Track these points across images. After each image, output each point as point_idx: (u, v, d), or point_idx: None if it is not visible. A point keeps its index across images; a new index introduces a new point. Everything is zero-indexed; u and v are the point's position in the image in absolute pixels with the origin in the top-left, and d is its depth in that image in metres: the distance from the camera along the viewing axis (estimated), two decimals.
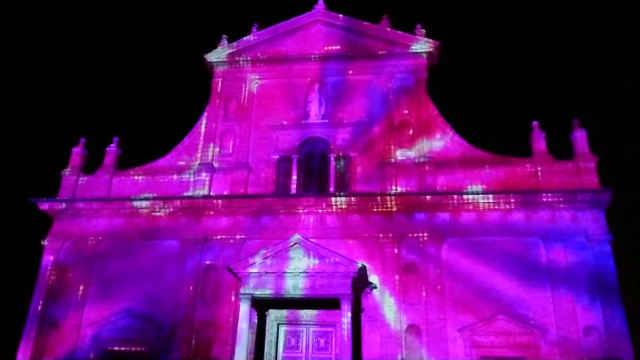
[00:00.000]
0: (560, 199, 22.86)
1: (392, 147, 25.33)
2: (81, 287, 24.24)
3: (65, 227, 25.44)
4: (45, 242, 25.24)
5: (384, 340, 21.78)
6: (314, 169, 26.13)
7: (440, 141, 25.28)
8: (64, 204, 25.52)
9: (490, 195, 23.20)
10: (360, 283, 21.80)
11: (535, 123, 25.07)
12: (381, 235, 23.43)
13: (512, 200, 23.06)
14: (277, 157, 26.22)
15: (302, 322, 22.72)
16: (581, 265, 22.08)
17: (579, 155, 23.88)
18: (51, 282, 24.53)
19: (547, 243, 22.52)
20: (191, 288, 23.53)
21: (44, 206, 25.58)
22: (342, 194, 24.37)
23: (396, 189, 24.20)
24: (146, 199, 25.20)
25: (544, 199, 22.94)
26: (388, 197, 23.74)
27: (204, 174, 25.78)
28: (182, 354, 22.42)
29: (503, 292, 21.97)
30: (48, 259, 24.94)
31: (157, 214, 25.03)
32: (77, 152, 27.26)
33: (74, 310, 23.88)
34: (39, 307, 24.05)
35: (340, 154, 25.79)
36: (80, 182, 26.48)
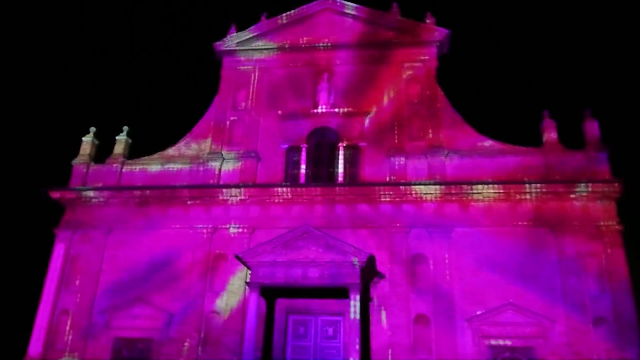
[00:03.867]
0: (571, 189, 22.69)
1: (402, 136, 25.22)
2: (92, 275, 24.49)
3: (76, 216, 25.66)
4: (57, 230, 25.52)
5: (393, 330, 21.86)
6: (323, 159, 26.09)
7: (450, 131, 25.13)
8: (75, 193, 25.74)
9: (500, 185, 23.09)
10: (369, 272, 21.83)
11: (546, 112, 24.87)
12: (390, 225, 23.42)
13: (522, 190, 22.92)
14: (286, 146, 26.22)
15: (311, 311, 22.81)
16: (591, 256, 21.95)
17: (590, 145, 23.66)
18: (63, 270, 24.79)
19: (557, 233, 22.41)
20: (201, 276, 23.71)
21: (56, 194, 25.80)
22: (351, 183, 24.35)
23: (405, 179, 24.11)
24: (156, 187, 25.34)
25: (554, 189, 22.78)
26: (397, 187, 23.69)
27: (213, 163, 25.85)
28: (192, 342, 22.64)
29: (512, 283, 21.91)
30: (60, 247, 25.18)
31: (167, 203, 25.16)
32: (87, 141, 27.41)
33: (85, 298, 24.14)
34: (51, 294, 24.35)
35: (350, 143, 25.75)
36: (91, 171, 26.66)
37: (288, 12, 28.64)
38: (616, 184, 22.44)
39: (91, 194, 25.69)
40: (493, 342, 21.34)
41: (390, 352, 21.52)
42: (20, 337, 24.63)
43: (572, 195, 22.70)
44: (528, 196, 22.94)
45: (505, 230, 22.83)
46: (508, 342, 21.31)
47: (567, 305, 21.25)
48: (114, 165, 26.68)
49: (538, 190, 22.86)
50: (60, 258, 24.96)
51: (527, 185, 22.93)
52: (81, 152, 27.16)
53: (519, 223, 22.84)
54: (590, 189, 22.58)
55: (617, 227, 22.16)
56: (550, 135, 24.26)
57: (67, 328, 23.80)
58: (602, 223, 22.28)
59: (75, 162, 26.83)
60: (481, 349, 21.28)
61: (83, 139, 27.55)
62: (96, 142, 27.66)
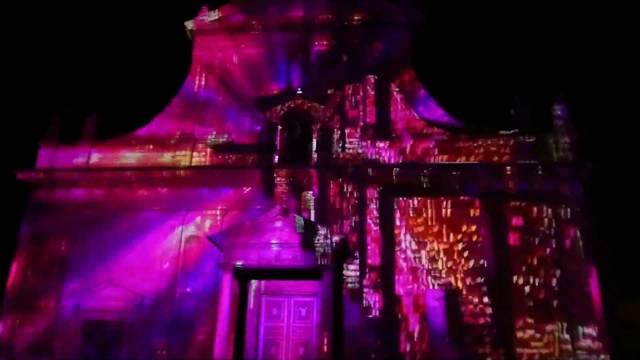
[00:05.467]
0: (540, 173, 23.05)
1: (376, 119, 25.22)
2: (61, 258, 24.06)
3: (43, 197, 25.03)
4: (23, 212, 24.88)
5: (365, 310, 22.06)
6: (296, 140, 25.94)
7: (423, 114, 25.24)
8: (41, 174, 25.12)
9: (470, 167, 23.32)
10: (342, 254, 21.93)
11: (516, 97, 25.12)
12: (362, 206, 23.45)
13: (492, 173, 23.20)
14: (259, 127, 25.99)
15: (284, 293, 22.89)
16: (556, 238, 22.34)
17: (559, 129, 24.03)
18: (30, 252, 24.25)
19: (525, 215, 22.78)
20: (173, 258, 23.52)
21: (22, 175, 25.14)
22: (324, 165, 24.30)
23: (380, 161, 24.18)
24: (126, 169, 24.90)
25: (522, 171, 23.11)
26: (370, 170, 23.75)
27: (184, 144, 25.47)
28: (163, 324, 22.50)
29: (480, 262, 22.26)
30: (26, 228, 24.64)
31: (138, 184, 24.75)
32: (55, 122, 26.66)
33: (54, 281, 23.72)
34: (18, 277, 23.83)
35: (324, 125, 25.65)
36: (58, 152, 25.95)
37: None
38: (583, 168, 22.87)
39: (58, 175, 25.11)
40: (464, 320, 21.74)
41: (362, 332, 21.75)
42: None
43: (540, 179, 23.05)
44: (496, 178, 23.23)
45: (474, 211, 23.09)
46: (473, 320, 21.73)
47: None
48: (83, 146, 26.06)
49: (507, 172, 23.18)
50: (27, 240, 24.41)
51: (497, 167, 23.22)
52: (49, 132, 26.42)
53: (488, 204, 23.13)
54: (558, 173, 22.97)
55: (581, 210, 22.58)
56: (520, 118, 24.54)
57: (35, 311, 23.34)
58: (569, 207, 22.65)
59: (43, 142, 26.11)
60: (451, 325, 21.67)
61: (51, 119, 26.78)
62: (65, 122, 26.88)
